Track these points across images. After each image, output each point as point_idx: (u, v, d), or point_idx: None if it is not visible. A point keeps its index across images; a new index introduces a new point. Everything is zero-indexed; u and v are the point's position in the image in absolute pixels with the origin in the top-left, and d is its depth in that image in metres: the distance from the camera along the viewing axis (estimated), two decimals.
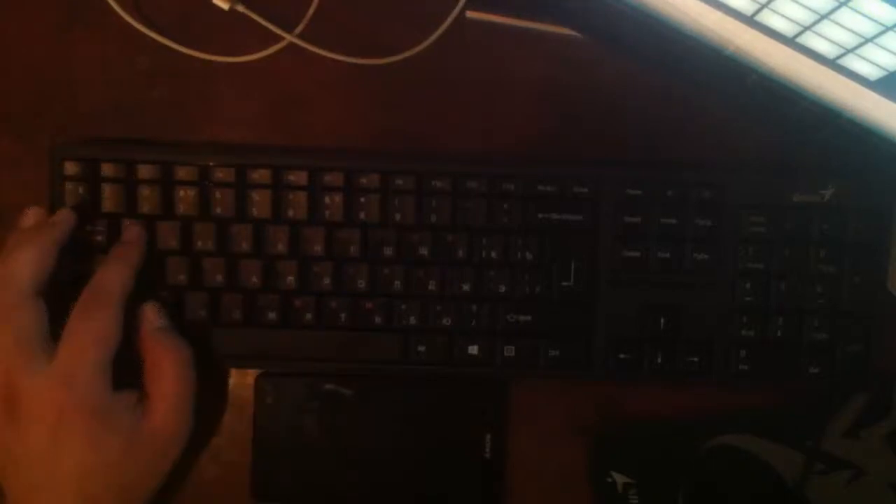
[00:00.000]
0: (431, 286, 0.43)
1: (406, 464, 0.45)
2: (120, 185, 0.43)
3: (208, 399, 0.45)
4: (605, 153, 0.46)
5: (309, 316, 0.43)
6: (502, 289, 0.43)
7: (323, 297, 0.43)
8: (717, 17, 0.35)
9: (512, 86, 0.46)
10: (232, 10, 0.45)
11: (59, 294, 0.40)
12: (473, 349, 0.43)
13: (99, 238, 0.43)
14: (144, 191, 0.43)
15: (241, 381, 0.46)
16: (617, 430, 0.46)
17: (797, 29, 0.33)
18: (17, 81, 0.46)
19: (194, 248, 0.43)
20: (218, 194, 0.43)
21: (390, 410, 0.45)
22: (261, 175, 0.43)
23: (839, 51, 0.33)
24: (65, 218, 0.42)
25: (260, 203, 0.43)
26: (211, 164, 0.43)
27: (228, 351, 0.44)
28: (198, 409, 0.41)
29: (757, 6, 0.33)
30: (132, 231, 0.43)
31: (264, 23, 0.45)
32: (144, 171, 0.43)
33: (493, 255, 0.43)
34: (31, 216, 0.42)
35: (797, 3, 0.31)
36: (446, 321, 0.43)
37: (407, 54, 0.45)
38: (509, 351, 0.43)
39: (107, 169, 0.43)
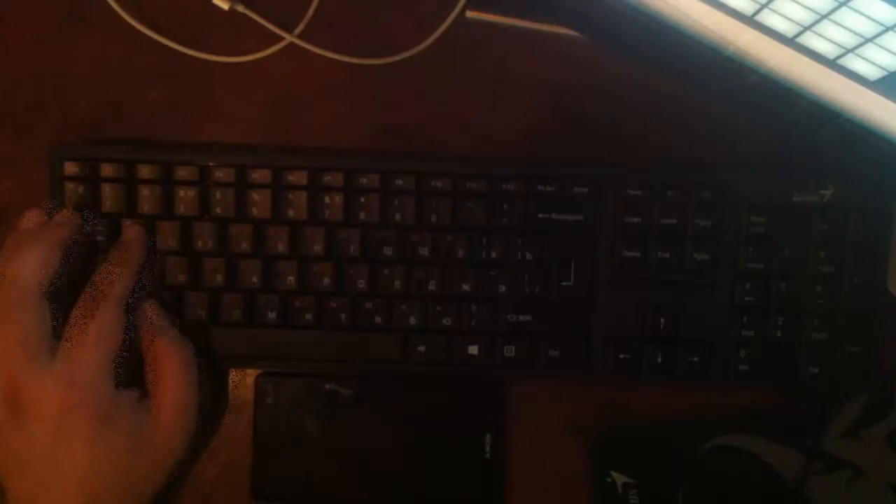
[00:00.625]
0: (431, 286, 0.43)
1: (406, 464, 0.45)
2: (120, 185, 0.43)
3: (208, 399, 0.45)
4: (605, 153, 0.46)
5: (309, 316, 0.43)
6: (502, 289, 0.43)
7: (323, 297, 0.43)
8: (717, 17, 0.35)
9: (512, 86, 0.46)
10: (232, 10, 0.45)
11: (62, 294, 0.40)
12: (473, 349, 0.43)
13: (99, 238, 0.43)
14: (144, 191, 0.43)
15: (241, 381, 0.46)
16: (617, 430, 0.46)
17: (797, 29, 0.33)
18: (17, 81, 0.46)
19: (194, 248, 0.43)
20: (218, 194, 0.43)
21: (390, 410, 0.45)
22: (261, 175, 0.43)
23: (839, 51, 0.33)
24: (69, 218, 0.42)
25: (260, 203, 0.43)
26: (211, 164, 0.43)
27: (228, 351, 0.44)
28: (203, 407, 0.41)
29: (757, 6, 0.33)
30: (132, 230, 0.43)
31: (264, 23, 0.45)
32: (144, 171, 0.43)
33: (493, 255, 0.43)
34: (30, 217, 0.42)
35: (797, 3, 0.31)
36: (446, 321, 0.43)
37: (407, 54, 0.45)
38: (509, 351, 0.43)
39: (107, 169, 0.43)
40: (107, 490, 0.39)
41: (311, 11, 0.46)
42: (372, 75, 0.46)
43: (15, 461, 0.39)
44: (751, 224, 0.43)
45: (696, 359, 0.43)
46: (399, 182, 0.43)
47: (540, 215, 0.43)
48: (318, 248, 0.43)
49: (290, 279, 0.43)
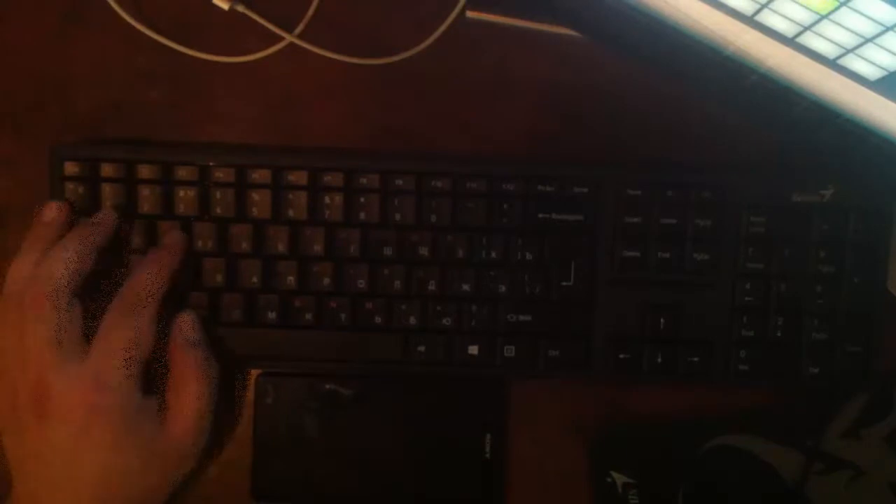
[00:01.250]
0: (431, 286, 0.43)
1: (406, 464, 0.45)
2: (120, 185, 0.43)
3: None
4: (605, 153, 0.46)
5: (309, 316, 0.43)
6: (502, 289, 0.43)
7: (323, 297, 0.43)
8: (717, 17, 0.35)
9: (512, 86, 0.46)
10: (232, 10, 0.45)
11: (91, 294, 0.40)
12: (473, 349, 0.43)
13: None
14: (144, 191, 0.43)
15: (241, 381, 0.46)
16: (617, 430, 0.46)
17: (797, 29, 0.33)
18: (17, 81, 0.46)
19: (194, 248, 0.43)
20: (218, 194, 0.43)
21: (390, 410, 0.45)
22: (261, 175, 0.43)
23: (839, 51, 0.33)
24: (108, 219, 0.41)
25: (260, 203, 0.43)
26: (211, 164, 0.43)
27: (228, 351, 0.44)
28: (216, 423, 0.41)
29: (757, 6, 0.33)
30: (172, 235, 0.42)
31: (264, 23, 0.45)
32: (144, 171, 0.43)
33: (493, 255, 0.43)
34: (50, 211, 0.41)
35: (797, 3, 0.31)
36: (446, 321, 0.43)
37: (407, 54, 0.45)
38: (509, 351, 0.43)
39: (107, 169, 0.43)
40: (118, 495, 0.39)
41: (311, 11, 0.46)
42: (372, 75, 0.46)
43: (33, 458, 0.38)
44: (751, 224, 0.43)
45: (696, 359, 0.43)
46: (399, 182, 0.43)
47: (540, 215, 0.43)
48: (318, 248, 0.43)
49: (290, 279, 0.43)
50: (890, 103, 0.35)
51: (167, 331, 0.41)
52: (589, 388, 0.46)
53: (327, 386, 0.45)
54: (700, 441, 0.44)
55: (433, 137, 0.46)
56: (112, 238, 0.41)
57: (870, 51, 0.32)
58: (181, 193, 0.43)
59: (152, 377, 0.40)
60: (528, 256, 0.43)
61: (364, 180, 0.43)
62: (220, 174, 0.43)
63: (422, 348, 0.43)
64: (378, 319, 0.43)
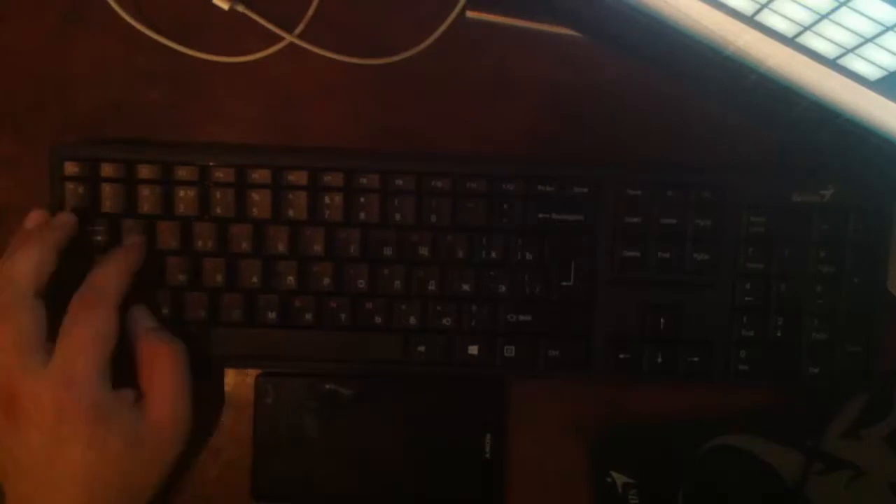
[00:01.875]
0: (431, 286, 0.43)
1: (406, 464, 0.45)
2: (120, 185, 0.43)
3: (208, 399, 0.45)
4: (605, 153, 0.46)
5: (309, 316, 0.43)
6: (502, 289, 0.43)
7: (323, 297, 0.43)
8: (717, 17, 0.35)
9: (512, 86, 0.46)
10: (232, 10, 0.45)
11: (57, 295, 0.40)
12: (473, 349, 0.43)
13: (99, 238, 0.43)
14: (144, 191, 0.43)
15: (241, 381, 0.46)
16: (617, 430, 0.46)
17: (797, 29, 0.33)
18: (17, 81, 0.46)
19: (194, 248, 0.43)
20: (218, 194, 0.43)
21: (390, 410, 0.45)
22: (261, 175, 0.43)
23: (839, 51, 0.33)
24: (66, 221, 0.42)
25: (260, 203, 0.43)
26: (211, 164, 0.43)
27: (228, 351, 0.44)
28: (196, 405, 0.41)
29: (757, 6, 0.33)
30: (132, 237, 0.43)
31: (264, 23, 0.45)
32: (144, 171, 0.43)
33: (493, 255, 0.43)
34: (34, 218, 0.42)
35: (797, 3, 0.31)
36: (446, 321, 0.43)
37: (407, 54, 0.45)
38: (509, 351, 0.43)
39: (107, 169, 0.43)
40: (106, 489, 0.39)
41: (311, 11, 0.46)
42: (372, 75, 0.46)
43: (14, 463, 0.39)
44: (751, 224, 0.43)
45: (696, 359, 0.43)
46: (399, 182, 0.43)
47: (540, 215, 0.43)
48: (318, 248, 0.43)
49: (290, 279, 0.43)
50: (890, 103, 0.35)
51: (128, 327, 0.41)
52: (589, 388, 0.46)
53: (327, 386, 0.45)
54: (700, 441, 0.44)
55: (433, 137, 0.46)
56: (73, 238, 0.41)
57: (870, 51, 0.32)
58: (181, 193, 0.43)
59: (123, 371, 0.40)
60: (528, 256, 0.43)
61: (364, 180, 0.43)
62: (220, 174, 0.43)
63: (422, 348, 0.43)
64: (378, 319, 0.43)
